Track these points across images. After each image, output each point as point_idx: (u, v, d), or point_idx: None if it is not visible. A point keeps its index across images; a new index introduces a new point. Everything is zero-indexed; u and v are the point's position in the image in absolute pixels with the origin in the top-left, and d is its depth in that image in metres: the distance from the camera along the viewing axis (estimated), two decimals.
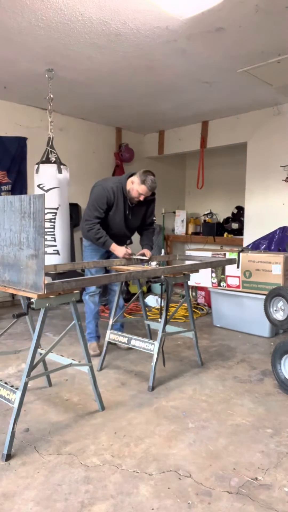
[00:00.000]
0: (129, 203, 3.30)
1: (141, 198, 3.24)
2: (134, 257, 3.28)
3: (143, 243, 3.51)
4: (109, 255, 3.49)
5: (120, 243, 3.31)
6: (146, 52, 3.63)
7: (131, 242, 3.71)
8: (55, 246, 3.92)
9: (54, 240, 3.91)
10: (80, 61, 3.84)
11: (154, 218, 3.58)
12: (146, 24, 3.13)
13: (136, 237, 3.64)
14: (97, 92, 4.74)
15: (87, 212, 3.31)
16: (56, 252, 3.93)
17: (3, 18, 3.07)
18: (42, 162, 3.95)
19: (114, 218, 3.32)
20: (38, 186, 3.92)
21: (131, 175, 3.26)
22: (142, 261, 3.27)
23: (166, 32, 3.25)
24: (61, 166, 3.93)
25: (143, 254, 3.31)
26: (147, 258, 3.27)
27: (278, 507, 1.69)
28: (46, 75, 4.07)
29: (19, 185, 5.23)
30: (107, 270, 3.42)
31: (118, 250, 3.22)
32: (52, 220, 3.90)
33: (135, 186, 3.20)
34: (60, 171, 3.90)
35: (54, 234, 3.91)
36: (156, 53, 3.64)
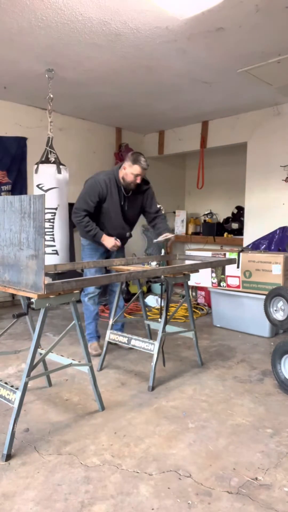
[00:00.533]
0: (124, 192, 3.29)
1: (138, 180, 3.21)
2: (159, 239, 3.30)
3: (161, 229, 3.43)
4: (108, 254, 3.48)
5: (119, 237, 3.30)
6: (146, 52, 3.63)
7: (130, 236, 3.66)
8: (54, 246, 3.92)
9: (53, 240, 3.92)
10: (80, 61, 3.84)
11: (159, 205, 3.53)
12: (146, 24, 3.13)
13: (136, 236, 3.62)
14: (97, 92, 4.73)
15: (76, 204, 3.29)
16: (55, 252, 3.93)
17: (3, 18, 3.07)
18: (42, 162, 3.95)
19: (109, 210, 3.31)
20: (37, 186, 3.92)
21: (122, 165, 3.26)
22: (148, 262, 3.26)
23: (166, 32, 3.25)
24: (60, 166, 3.93)
25: (166, 236, 3.29)
26: (173, 235, 3.30)
27: (278, 507, 1.69)
28: (46, 75, 4.07)
29: (19, 185, 5.23)
30: (107, 270, 3.42)
31: (107, 240, 3.24)
32: (51, 220, 3.90)
33: (128, 170, 3.19)
34: (59, 171, 3.90)
35: (53, 234, 3.91)
36: (156, 53, 3.64)
